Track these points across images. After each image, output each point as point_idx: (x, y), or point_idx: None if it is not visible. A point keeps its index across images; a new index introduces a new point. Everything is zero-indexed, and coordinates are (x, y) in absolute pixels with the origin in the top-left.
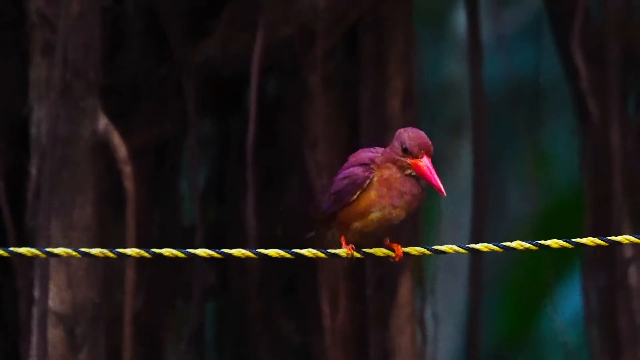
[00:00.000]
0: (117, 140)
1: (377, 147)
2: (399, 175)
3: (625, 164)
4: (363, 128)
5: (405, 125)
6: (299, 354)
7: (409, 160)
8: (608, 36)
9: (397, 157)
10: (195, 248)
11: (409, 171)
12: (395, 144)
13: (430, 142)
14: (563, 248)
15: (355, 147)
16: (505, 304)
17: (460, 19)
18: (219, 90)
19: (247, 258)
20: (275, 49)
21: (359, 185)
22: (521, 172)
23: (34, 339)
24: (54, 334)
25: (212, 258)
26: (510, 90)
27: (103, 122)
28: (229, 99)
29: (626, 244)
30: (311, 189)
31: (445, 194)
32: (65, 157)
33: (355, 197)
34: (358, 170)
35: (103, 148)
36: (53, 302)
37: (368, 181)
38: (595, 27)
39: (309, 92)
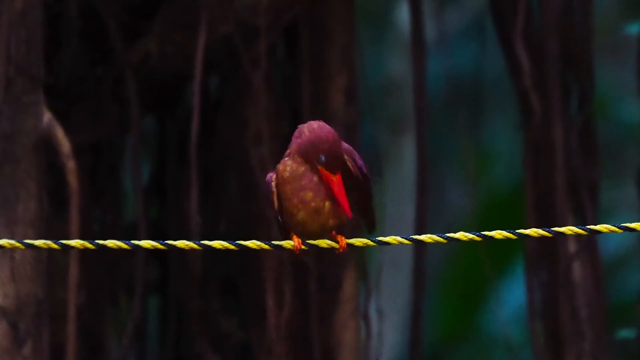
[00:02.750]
0: (60, 135)
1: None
2: (303, 168)
3: (567, 161)
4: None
5: (347, 121)
6: (241, 350)
7: (322, 170)
8: (550, 34)
9: (314, 161)
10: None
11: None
12: (309, 146)
13: (341, 151)
14: (507, 242)
15: None
16: (449, 299)
17: (403, 16)
18: (161, 87)
19: (190, 254)
20: (216, 47)
21: (270, 191)
22: (464, 168)
23: None
24: None
25: (154, 253)
26: (453, 87)
27: (47, 117)
28: (170, 96)
29: (570, 238)
30: (253, 186)
31: (351, 216)
32: (8, 152)
33: (275, 203)
34: (267, 177)
35: (46, 143)
36: None
37: (274, 184)
38: (537, 25)
39: (251, 89)
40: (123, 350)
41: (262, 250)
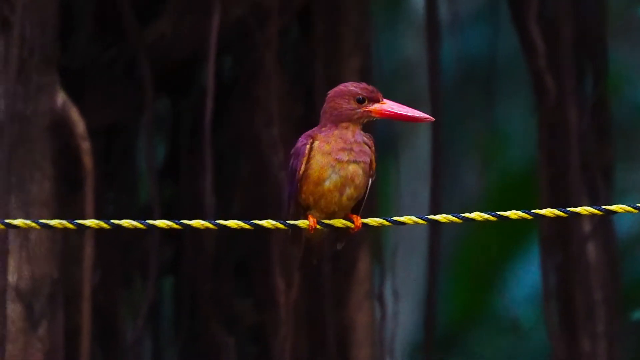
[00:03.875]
0: (75, 116)
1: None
2: (341, 131)
3: (581, 142)
4: (318, 106)
5: None
6: (254, 331)
7: (369, 109)
8: (564, 16)
9: (352, 112)
10: (155, 228)
11: (365, 121)
12: (341, 102)
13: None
14: (521, 223)
15: (309, 125)
16: (464, 280)
17: None
18: (174, 69)
19: (204, 234)
20: (230, 28)
21: (301, 154)
22: (479, 149)
23: None
24: (13, 309)
25: (168, 235)
26: (467, 68)
27: (61, 98)
28: (184, 77)
29: (585, 219)
30: (267, 166)
31: (433, 118)
32: (23, 134)
33: (302, 167)
34: (298, 143)
35: (61, 124)
36: (12, 278)
37: (308, 147)
38: (551, 6)
39: (264, 71)
40: (137, 331)
41: (274, 231)
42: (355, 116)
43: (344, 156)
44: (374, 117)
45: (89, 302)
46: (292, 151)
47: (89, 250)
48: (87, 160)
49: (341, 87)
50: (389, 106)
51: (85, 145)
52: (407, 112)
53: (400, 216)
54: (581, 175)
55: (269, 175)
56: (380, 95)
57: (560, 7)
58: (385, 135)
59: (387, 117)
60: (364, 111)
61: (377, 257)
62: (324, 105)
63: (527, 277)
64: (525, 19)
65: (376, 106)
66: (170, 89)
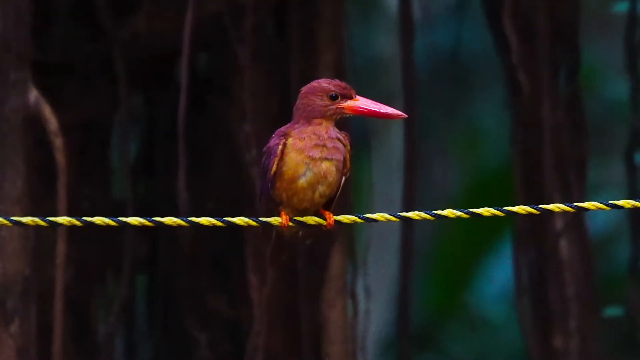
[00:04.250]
0: (48, 113)
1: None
2: (314, 128)
3: (555, 138)
4: (293, 102)
5: None
6: (228, 327)
7: (342, 105)
8: (538, 10)
9: (326, 108)
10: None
11: (338, 117)
12: (314, 99)
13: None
14: (495, 219)
15: (285, 121)
16: (437, 276)
17: None
18: (150, 65)
19: (178, 230)
20: (205, 24)
21: (274, 153)
22: (452, 145)
23: None
24: None
25: (143, 231)
26: (441, 64)
27: (34, 95)
28: (158, 73)
29: (558, 216)
30: (241, 163)
31: (406, 115)
32: None
33: (274, 166)
34: (271, 142)
35: (34, 121)
36: None
37: (281, 147)
38: (526, 2)
39: (239, 67)
40: (110, 328)
41: (247, 228)
42: (329, 113)
43: (317, 153)
44: (347, 113)
45: (62, 298)
46: (265, 149)
47: (62, 247)
48: (60, 157)
49: (314, 83)
50: (362, 103)
51: (58, 142)
52: (380, 108)
53: (373, 213)
54: (555, 171)
55: (243, 171)
56: (353, 92)
57: (534, 2)
58: (358, 132)
59: (360, 113)
60: (337, 108)
61: (350, 254)
62: (297, 102)
63: (500, 273)
64: (499, 15)
65: (349, 103)
66: (145, 85)
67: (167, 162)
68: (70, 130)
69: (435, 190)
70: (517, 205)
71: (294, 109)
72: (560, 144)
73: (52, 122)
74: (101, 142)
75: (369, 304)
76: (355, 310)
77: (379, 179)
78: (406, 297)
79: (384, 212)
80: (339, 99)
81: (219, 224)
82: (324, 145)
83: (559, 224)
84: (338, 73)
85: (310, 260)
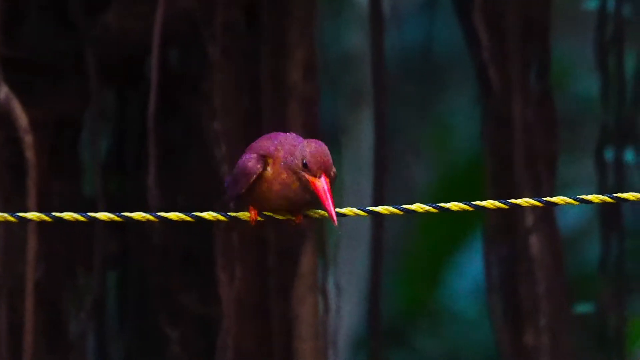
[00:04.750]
0: (18, 109)
1: (279, 136)
2: (289, 175)
3: (526, 135)
4: (264, 99)
5: (306, 96)
6: (200, 325)
7: (307, 176)
8: (509, 6)
9: (297, 169)
10: (98, 220)
11: (304, 183)
12: (297, 153)
13: (330, 162)
14: (465, 216)
15: (256, 118)
16: (408, 273)
17: None
18: (121, 61)
19: (149, 227)
20: (176, 21)
21: (247, 178)
22: (423, 142)
23: None
24: None
25: (114, 227)
26: (411, 60)
27: (4, 91)
28: (130, 70)
29: (528, 212)
30: (211, 160)
31: (336, 223)
32: None
33: (244, 189)
34: (250, 162)
35: (4, 117)
36: None
37: (255, 177)
38: None
39: (210, 64)
40: (82, 325)
41: (219, 223)
42: (298, 174)
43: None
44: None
45: (33, 295)
46: (241, 163)
47: (32, 244)
48: (30, 154)
49: (311, 141)
50: (320, 185)
51: (28, 139)
52: (327, 202)
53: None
54: (525, 168)
55: (213, 168)
56: (322, 173)
57: None
58: (328, 128)
59: (315, 192)
60: (302, 175)
61: (320, 251)
62: (296, 137)
63: (471, 270)
64: (469, 11)
65: (311, 178)
66: (116, 82)
67: (138, 159)
68: (41, 127)
69: (406, 186)
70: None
71: (289, 135)
72: (530, 140)
73: (22, 118)
74: (71, 138)
75: (340, 300)
76: (326, 307)
77: (348, 176)
78: (377, 294)
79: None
80: (307, 170)
81: (188, 218)
82: (291, 198)
83: (529, 220)
84: (309, 69)
85: (280, 257)
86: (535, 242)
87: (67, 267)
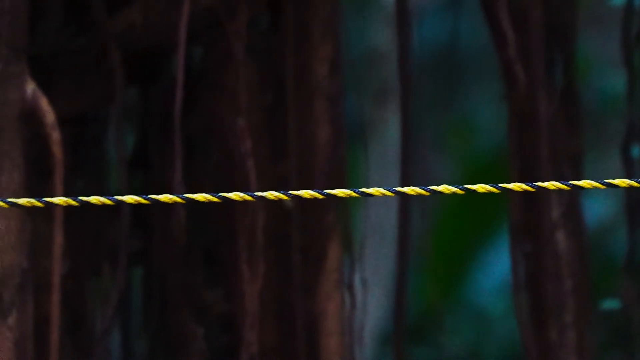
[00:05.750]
0: (44, 106)
1: None
2: None
3: (551, 132)
4: (289, 95)
5: (331, 92)
6: (224, 321)
7: None
8: (534, 2)
9: None
10: (122, 216)
11: None
12: None
13: None
14: (491, 212)
15: (281, 114)
16: (433, 270)
17: None
18: (144, 58)
19: (173, 223)
20: (200, 17)
21: None
22: (448, 138)
23: None
24: None
25: (138, 224)
26: (437, 57)
27: (30, 88)
28: (154, 66)
29: (554, 207)
30: (236, 156)
31: None
32: None
33: None
34: None
35: (30, 114)
36: None
37: None
38: None
39: (234, 60)
40: (107, 321)
41: (242, 220)
42: None
43: None
44: None
45: (58, 292)
46: None
47: (58, 240)
48: (57, 150)
49: None
50: None
51: (55, 135)
52: None
53: (369, 207)
54: (550, 165)
55: (237, 165)
56: None
57: None
58: (354, 124)
59: None
60: None
61: (346, 246)
62: None
63: (497, 267)
64: (494, 7)
65: None
66: (140, 78)
67: (163, 156)
68: (66, 123)
69: (431, 183)
70: (513, 200)
71: None
72: (556, 137)
73: (49, 115)
74: (97, 135)
75: (366, 296)
76: (352, 303)
77: (374, 172)
78: (403, 290)
79: (381, 207)
80: None
81: (215, 199)
82: None
83: (555, 215)
84: (333, 66)
85: (305, 253)
86: (561, 238)
87: (92, 263)
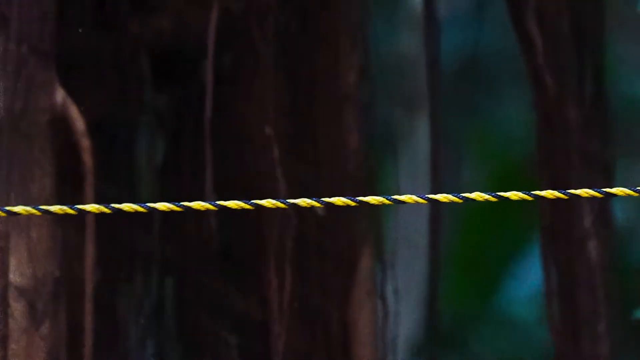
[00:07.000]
0: (74, 113)
1: None
2: None
3: (581, 138)
4: (318, 102)
5: (361, 100)
6: (258, 329)
7: None
8: (562, 8)
9: None
10: (153, 223)
11: None
12: None
13: None
14: (523, 220)
15: (310, 122)
16: (465, 278)
17: None
18: (175, 63)
19: (205, 232)
20: (229, 23)
21: None
22: (478, 146)
23: None
24: (15, 307)
25: (170, 233)
26: (464, 64)
27: (60, 95)
28: (183, 73)
29: (586, 215)
30: (264, 163)
31: None
32: (23, 131)
33: None
34: None
35: (61, 121)
36: (14, 276)
37: None
38: (550, 1)
39: (263, 66)
40: (140, 329)
41: (271, 227)
42: None
43: None
44: None
45: (92, 301)
46: None
47: (90, 248)
48: (87, 158)
49: None
50: None
51: (85, 143)
52: None
53: (399, 214)
54: (581, 173)
55: (267, 173)
56: None
57: (558, 2)
58: (383, 131)
59: None
60: None
61: (378, 255)
62: None
63: (529, 275)
64: (522, 15)
65: None
66: (170, 85)
67: (194, 162)
68: (96, 131)
69: (462, 191)
70: (544, 207)
71: None
72: (586, 145)
73: (79, 122)
74: (127, 142)
75: (398, 305)
76: (384, 312)
77: (404, 181)
78: (435, 299)
79: (412, 215)
80: None
81: (247, 206)
82: None
83: (587, 223)
84: (363, 73)
85: (337, 261)
86: (593, 246)
87: (124, 271)
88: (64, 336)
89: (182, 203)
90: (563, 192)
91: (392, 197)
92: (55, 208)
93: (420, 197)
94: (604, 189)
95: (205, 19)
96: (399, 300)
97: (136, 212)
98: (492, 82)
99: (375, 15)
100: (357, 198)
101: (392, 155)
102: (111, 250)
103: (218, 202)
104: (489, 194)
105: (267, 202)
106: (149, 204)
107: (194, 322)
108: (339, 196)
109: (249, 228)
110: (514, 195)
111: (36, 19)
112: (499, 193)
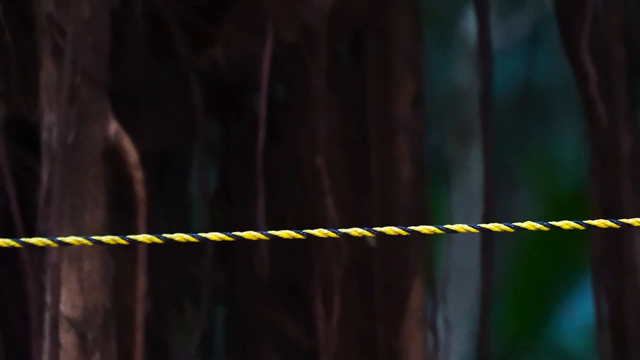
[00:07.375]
0: (127, 144)
1: None
2: None
3: (634, 169)
4: (370, 131)
5: (413, 129)
6: (307, 358)
7: None
8: (615, 37)
9: None
10: (206, 254)
11: None
12: None
13: None
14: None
15: (362, 151)
16: (516, 309)
17: (469, 22)
18: (227, 93)
19: (255, 260)
20: (282, 53)
21: None
22: (531, 177)
23: (46, 344)
24: (66, 339)
25: (220, 261)
26: (517, 94)
27: (113, 126)
28: (236, 103)
29: (635, 245)
30: (315, 194)
31: None
32: (75, 162)
33: None
34: None
35: (113, 153)
36: (64, 307)
37: None
38: (602, 30)
39: (315, 97)
40: (190, 359)
41: (324, 257)
42: None
43: None
44: None
45: (142, 331)
46: None
47: (141, 279)
48: (140, 190)
49: None
50: None
51: (138, 175)
52: None
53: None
54: (634, 203)
55: (317, 202)
56: None
57: (611, 31)
58: (436, 161)
59: None
60: None
61: (429, 285)
62: None
63: (580, 306)
64: (575, 45)
65: None
66: (222, 115)
67: (246, 192)
68: (149, 161)
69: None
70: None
71: None
72: (638, 174)
73: (132, 154)
74: (179, 172)
75: (449, 336)
76: (435, 343)
77: (457, 210)
78: (485, 329)
79: (463, 245)
80: None
81: (299, 236)
82: None
83: (637, 252)
84: (416, 102)
85: (387, 290)
86: None
87: (175, 302)
88: None
89: (234, 233)
90: (615, 221)
91: (444, 226)
92: (106, 238)
93: (472, 227)
94: None
95: (259, 49)
96: (449, 331)
97: (188, 242)
98: (545, 112)
99: (429, 44)
100: (409, 227)
101: (445, 185)
102: (162, 280)
103: (270, 232)
104: (540, 223)
105: (319, 232)
106: (200, 234)
107: (244, 352)
108: (390, 225)
109: (299, 256)
110: (565, 224)
111: (89, 49)
112: (550, 222)
